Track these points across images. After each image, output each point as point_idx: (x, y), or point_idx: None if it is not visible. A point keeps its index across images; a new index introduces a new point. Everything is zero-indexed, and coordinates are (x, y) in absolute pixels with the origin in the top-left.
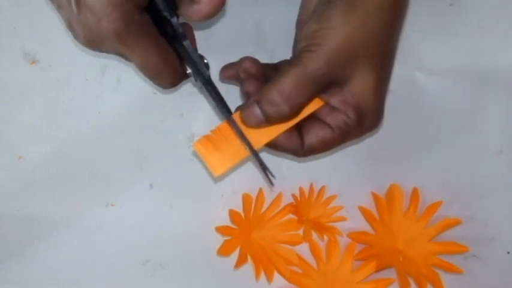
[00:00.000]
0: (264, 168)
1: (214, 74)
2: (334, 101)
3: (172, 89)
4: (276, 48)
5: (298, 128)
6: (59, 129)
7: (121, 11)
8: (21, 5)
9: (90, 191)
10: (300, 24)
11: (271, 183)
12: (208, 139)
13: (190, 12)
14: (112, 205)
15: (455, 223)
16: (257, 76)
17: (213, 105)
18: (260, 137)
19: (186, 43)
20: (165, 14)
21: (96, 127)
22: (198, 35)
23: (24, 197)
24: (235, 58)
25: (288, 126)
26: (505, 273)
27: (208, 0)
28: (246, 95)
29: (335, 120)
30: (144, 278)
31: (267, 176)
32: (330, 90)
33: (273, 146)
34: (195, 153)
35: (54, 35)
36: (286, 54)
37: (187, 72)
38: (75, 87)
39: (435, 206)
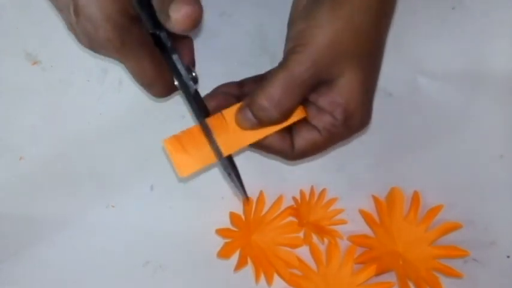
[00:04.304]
0: (239, 180)
1: (215, 80)
2: (322, 101)
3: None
4: (278, 51)
5: (290, 131)
6: (60, 130)
7: (114, 23)
8: (23, 6)
9: (90, 192)
10: (290, 24)
11: (246, 195)
12: (177, 139)
13: (168, 26)
14: (112, 206)
15: (455, 227)
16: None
17: (195, 119)
18: (243, 138)
19: (174, 56)
20: (154, 30)
21: (98, 128)
22: (201, 38)
23: (24, 198)
24: (237, 60)
25: (272, 131)
26: (505, 277)
27: (180, 20)
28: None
29: (321, 122)
30: (144, 280)
31: (242, 187)
32: (318, 89)
33: (265, 148)
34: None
35: (56, 35)
36: None
37: (176, 84)
38: (76, 88)
39: (436, 209)
